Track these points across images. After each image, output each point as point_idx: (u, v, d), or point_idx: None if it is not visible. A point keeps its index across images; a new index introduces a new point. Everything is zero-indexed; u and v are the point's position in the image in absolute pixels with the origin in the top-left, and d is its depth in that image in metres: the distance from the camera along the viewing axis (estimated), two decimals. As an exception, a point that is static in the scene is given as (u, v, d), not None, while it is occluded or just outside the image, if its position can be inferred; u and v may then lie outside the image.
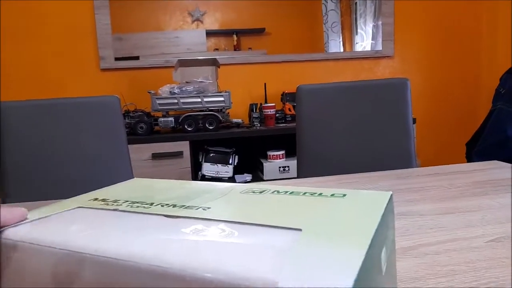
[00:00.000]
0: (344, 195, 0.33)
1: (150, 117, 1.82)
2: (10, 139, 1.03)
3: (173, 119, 1.78)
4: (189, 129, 1.78)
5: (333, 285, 0.17)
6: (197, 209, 0.29)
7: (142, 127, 1.77)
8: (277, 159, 1.85)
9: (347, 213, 0.29)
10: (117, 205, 0.29)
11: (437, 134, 2.37)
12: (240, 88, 2.15)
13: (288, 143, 1.91)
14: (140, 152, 1.68)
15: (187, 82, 1.84)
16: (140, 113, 1.80)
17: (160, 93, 1.79)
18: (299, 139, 1.12)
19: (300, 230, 0.25)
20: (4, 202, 1.02)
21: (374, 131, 1.09)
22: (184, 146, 1.73)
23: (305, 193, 0.34)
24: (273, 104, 1.92)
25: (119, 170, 1.12)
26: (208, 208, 0.29)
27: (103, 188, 0.36)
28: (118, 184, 0.37)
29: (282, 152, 1.87)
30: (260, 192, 0.34)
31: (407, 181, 0.75)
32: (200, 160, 1.83)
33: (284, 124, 1.94)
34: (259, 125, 1.90)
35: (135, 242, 0.21)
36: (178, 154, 1.72)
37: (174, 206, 0.29)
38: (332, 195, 0.33)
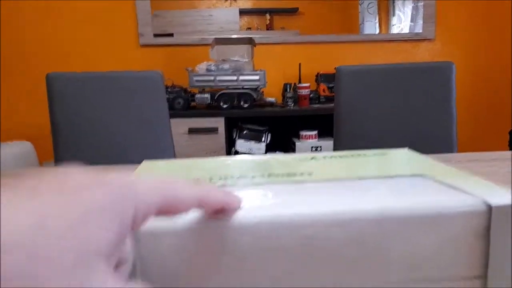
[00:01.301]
0: (384, 153, 0.37)
1: (187, 93, 1.87)
2: (59, 108, 1.10)
3: (209, 96, 1.82)
4: (224, 106, 1.81)
5: None
6: (301, 174, 0.29)
7: (180, 102, 1.82)
8: (309, 139, 1.87)
9: (416, 161, 0.33)
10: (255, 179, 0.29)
11: (476, 119, 2.31)
12: (274, 68, 2.16)
13: (321, 124, 1.92)
14: (177, 127, 1.74)
15: (223, 60, 1.86)
16: (178, 89, 1.85)
17: (197, 70, 1.83)
18: (337, 120, 1.13)
19: (421, 175, 0.28)
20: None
21: (415, 115, 1.09)
22: (219, 123, 1.77)
23: (352, 155, 0.36)
24: (308, 84, 1.92)
25: (161, 142, 1.18)
26: (311, 172, 0.30)
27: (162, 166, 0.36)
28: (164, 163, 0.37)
29: (315, 132, 1.88)
30: (312, 158, 0.36)
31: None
32: (234, 136, 1.87)
33: (318, 105, 1.95)
34: (292, 104, 1.91)
35: (346, 200, 0.24)
36: (213, 130, 1.76)
37: (288, 175, 0.30)
38: (375, 154, 0.37)
